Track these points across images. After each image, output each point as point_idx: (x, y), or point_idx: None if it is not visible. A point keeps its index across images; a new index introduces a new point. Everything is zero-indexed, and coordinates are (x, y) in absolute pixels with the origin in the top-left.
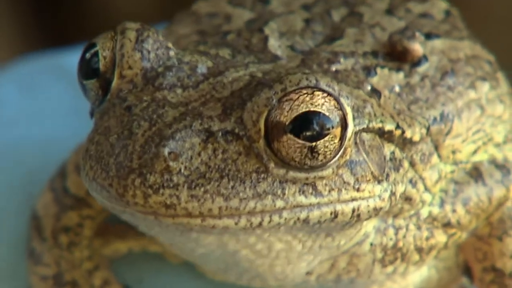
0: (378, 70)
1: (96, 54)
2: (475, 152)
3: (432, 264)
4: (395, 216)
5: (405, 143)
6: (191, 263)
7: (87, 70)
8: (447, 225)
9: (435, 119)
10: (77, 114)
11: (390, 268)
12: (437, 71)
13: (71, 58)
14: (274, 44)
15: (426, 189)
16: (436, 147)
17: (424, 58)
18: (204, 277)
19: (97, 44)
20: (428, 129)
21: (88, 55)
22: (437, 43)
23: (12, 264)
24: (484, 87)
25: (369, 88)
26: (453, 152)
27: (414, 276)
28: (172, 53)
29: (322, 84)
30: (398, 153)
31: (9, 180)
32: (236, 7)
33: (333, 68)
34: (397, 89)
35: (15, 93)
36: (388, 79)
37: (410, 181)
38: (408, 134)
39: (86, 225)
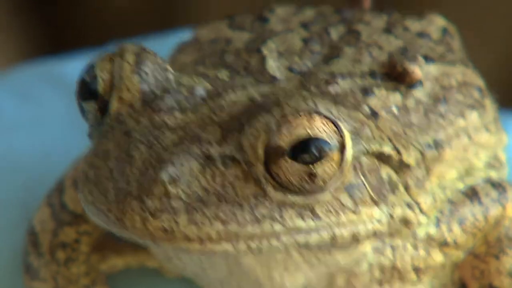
0: (376, 90)
1: (94, 75)
2: (455, 179)
3: (428, 281)
4: (392, 236)
5: (401, 167)
6: (188, 278)
7: (86, 91)
8: (444, 244)
9: (429, 145)
10: (73, 125)
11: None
12: (430, 98)
13: (68, 67)
14: (273, 65)
15: (422, 212)
16: (428, 173)
17: (420, 82)
18: None
19: (96, 66)
20: (422, 154)
21: (86, 77)
22: (432, 68)
23: (8, 279)
24: (473, 115)
25: (367, 109)
26: (438, 178)
27: None
28: (170, 75)
29: (321, 108)
30: (394, 177)
31: (5, 193)
32: (236, 30)
33: (331, 89)
34: (394, 110)
35: (12, 102)
36: (386, 99)
37: (407, 204)
38: (404, 157)
39: (83, 241)
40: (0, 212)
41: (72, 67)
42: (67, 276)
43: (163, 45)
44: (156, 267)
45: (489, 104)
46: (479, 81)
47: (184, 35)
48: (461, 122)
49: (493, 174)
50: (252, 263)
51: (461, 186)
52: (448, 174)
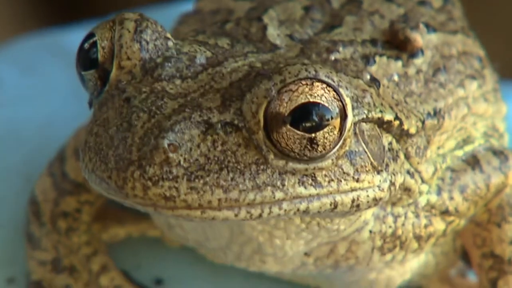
0: (377, 58)
1: (94, 44)
2: (454, 148)
3: (430, 249)
4: (394, 204)
5: (401, 135)
6: (190, 248)
7: (86, 60)
8: (445, 212)
9: (429, 114)
10: (76, 96)
11: (388, 256)
12: (430, 67)
13: (70, 38)
14: (273, 33)
15: (423, 181)
16: (428, 142)
17: (421, 51)
18: (204, 261)
19: (96, 34)
20: (423, 123)
21: (86, 45)
22: (433, 37)
23: (10, 249)
24: (472, 85)
25: (368, 77)
26: (438, 148)
27: (412, 262)
28: (170, 43)
29: (321, 75)
30: (395, 144)
31: (7, 163)
32: (238, 0)
33: (332, 57)
34: (395, 78)
35: (14, 73)
36: (387, 67)
37: (408, 172)
38: (405, 125)
39: (84, 211)
40: (1, 182)
41: (74, 38)
42: (68, 246)
43: (165, 16)
44: (158, 236)
45: (489, 75)
46: (480, 51)
47: (186, 7)
48: (460, 92)
49: (490, 144)
50: (253, 230)
51: (460, 153)
52: (447, 144)
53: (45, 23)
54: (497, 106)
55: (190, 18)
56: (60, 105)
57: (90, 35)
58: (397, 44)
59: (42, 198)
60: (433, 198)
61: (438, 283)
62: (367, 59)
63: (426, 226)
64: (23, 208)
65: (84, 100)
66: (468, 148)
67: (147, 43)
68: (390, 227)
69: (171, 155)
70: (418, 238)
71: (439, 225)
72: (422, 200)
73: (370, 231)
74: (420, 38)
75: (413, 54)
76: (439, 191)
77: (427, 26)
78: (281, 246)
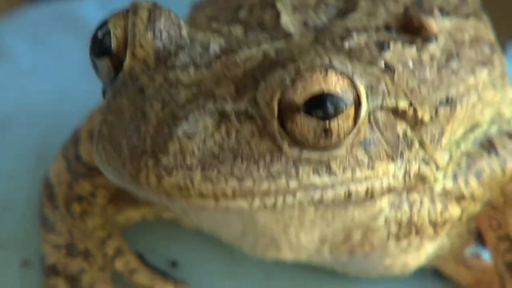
0: (392, 44)
1: (108, 32)
2: (464, 134)
3: (445, 234)
4: (409, 191)
5: (416, 122)
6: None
7: (99, 48)
8: (460, 198)
9: (441, 101)
10: (87, 71)
11: (404, 242)
12: (443, 54)
13: (81, 8)
14: (287, 20)
15: (438, 169)
16: (443, 130)
17: (435, 37)
18: (219, 243)
19: (109, 23)
20: (436, 110)
21: (100, 34)
22: (446, 22)
23: (24, 230)
24: (483, 73)
25: (382, 64)
26: (451, 134)
27: (428, 247)
28: (184, 32)
29: (336, 64)
30: (409, 132)
31: (18, 143)
32: None
33: (346, 44)
34: (410, 64)
35: (25, 45)
36: (401, 53)
37: (423, 160)
38: (419, 113)
39: (99, 194)
40: (13, 161)
41: (85, 8)
42: (82, 229)
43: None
44: (173, 218)
45: (497, 59)
46: (490, 35)
47: None
48: (471, 80)
49: (494, 129)
50: (267, 220)
51: (472, 138)
52: (458, 131)
53: None
54: (504, 92)
55: (204, 5)
56: (72, 81)
57: (104, 23)
58: (411, 29)
59: (56, 181)
60: (449, 184)
61: (453, 264)
62: (382, 46)
63: (441, 212)
64: (36, 187)
65: (95, 76)
66: (478, 131)
67: (161, 31)
68: (405, 213)
69: (185, 144)
70: (433, 224)
71: (454, 210)
72: (438, 186)
73: (386, 218)
74: (434, 24)
75: (427, 40)
76: (455, 177)
77: (441, 10)
78: (296, 235)
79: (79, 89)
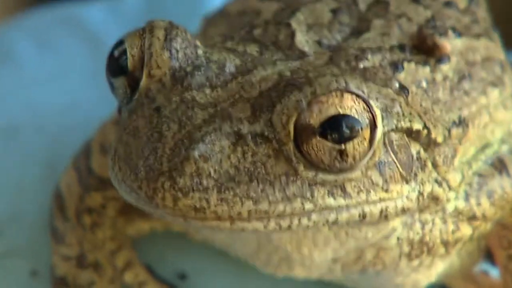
0: (405, 64)
1: (124, 51)
2: (475, 154)
3: (456, 253)
4: (421, 211)
5: (429, 143)
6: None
7: (116, 68)
8: (472, 218)
9: (454, 122)
10: (95, 77)
11: (416, 262)
12: (455, 74)
13: (88, 12)
14: (302, 40)
15: (451, 189)
16: (455, 151)
17: (447, 57)
18: (227, 256)
19: (125, 42)
20: (449, 131)
21: (116, 53)
22: (458, 42)
23: (33, 240)
24: (494, 93)
25: (397, 85)
26: (463, 154)
27: (438, 265)
28: (200, 51)
29: (352, 87)
30: (422, 153)
31: (27, 151)
32: (265, 0)
33: (361, 65)
34: (424, 84)
35: (32, 50)
36: (415, 73)
37: (436, 181)
38: (433, 134)
39: (109, 206)
40: (23, 171)
41: (92, 12)
42: (92, 241)
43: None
44: (182, 231)
45: (508, 79)
46: (501, 54)
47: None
48: (483, 100)
49: (505, 149)
50: (281, 239)
51: (483, 158)
52: (469, 151)
53: None
54: None
55: (218, 19)
56: (79, 87)
57: (120, 43)
58: (425, 49)
59: (67, 192)
60: (461, 204)
61: (462, 281)
62: (396, 66)
63: (453, 232)
64: (45, 196)
65: (104, 82)
66: (489, 151)
67: (177, 51)
68: (417, 233)
69: (201, 166)
70: (445, 243)
71: (466, 230)
72: (450, 207)
73: (398, 238)
74: (448, 44)
75: (440, 60)
76: (466, 197)
77: (454, 30)
78: (309, 254)
79: (87, 95)
